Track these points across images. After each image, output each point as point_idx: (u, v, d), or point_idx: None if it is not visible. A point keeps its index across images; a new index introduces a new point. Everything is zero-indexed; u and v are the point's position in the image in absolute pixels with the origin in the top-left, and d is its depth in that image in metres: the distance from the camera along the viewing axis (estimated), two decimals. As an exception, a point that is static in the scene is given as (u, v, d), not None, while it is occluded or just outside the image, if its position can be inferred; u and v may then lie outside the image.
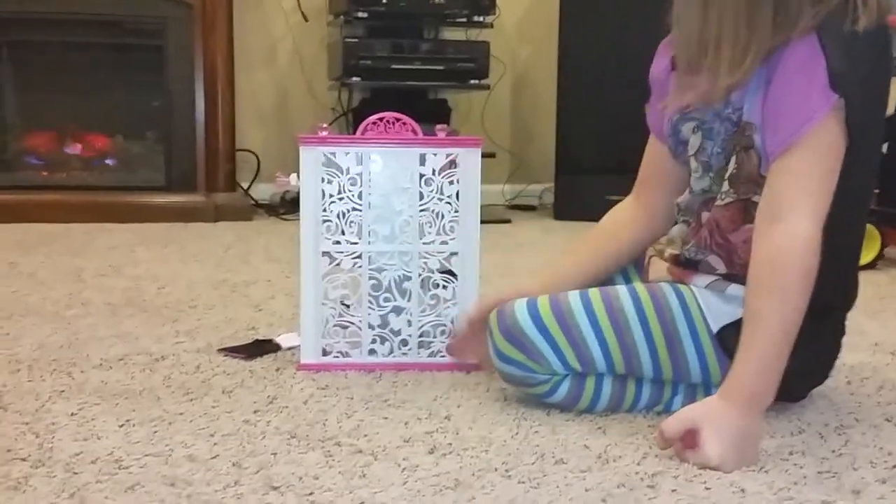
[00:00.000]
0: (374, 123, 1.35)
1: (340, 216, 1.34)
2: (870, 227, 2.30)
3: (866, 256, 2.30)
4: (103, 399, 1.19)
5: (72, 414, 1.13)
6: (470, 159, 1.35)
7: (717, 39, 1.08)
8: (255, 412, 1.15)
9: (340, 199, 1.33)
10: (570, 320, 1.13)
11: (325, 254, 1.34)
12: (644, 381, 1.18)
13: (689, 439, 1.00)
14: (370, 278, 1.35)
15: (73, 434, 1.06)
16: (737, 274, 1.12)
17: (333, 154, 1.33)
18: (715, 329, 1.13)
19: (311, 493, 0.91)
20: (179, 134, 3.15)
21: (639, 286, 1.18)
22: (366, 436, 1.07)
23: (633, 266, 1.32)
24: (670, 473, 0.98)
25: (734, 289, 1.12)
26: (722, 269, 1.14)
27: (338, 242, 1.34)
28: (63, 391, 1.22)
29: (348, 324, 1.36)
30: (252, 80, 3.49)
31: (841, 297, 1.17)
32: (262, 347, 1.44)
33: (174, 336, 1.53)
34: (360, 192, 1.33)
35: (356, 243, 1.34)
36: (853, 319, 1.69)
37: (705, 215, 1.18)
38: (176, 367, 1.34)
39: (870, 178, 1.19)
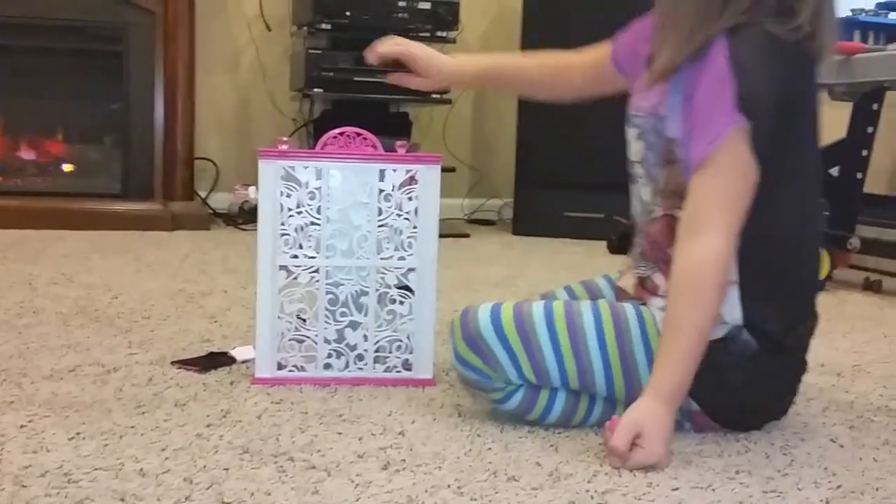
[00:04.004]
0: (334, 137, 1.35)
1: (298, 230, 1.34)
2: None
3: (816, 278, 2.35)
4: (53, 411, 1.17)
5: (21, 426, 1.11)
6: (429, 176, 1.35)
7: (670, 16, 1.13)
8: (207, 426, 1.14)
9: (299, 212, 1.33)
10: (531, 332, 1.15)
11: (282, 267, 1.34)
12: (597, 398, 1.19)
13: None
14: (327, 293, 1.35)
15: (23, 446, 1.05)
16: None
17: (293, 168, 1.33)
18: None
19: (262, 509, 0.91)
20: (137, 141, 3.13)
21: (603, 305, 1.19)
22: (319, 451, 1.07)
23: (609, 287, 1.34)
24: (620, 491, 0.99)
25: None
26: (665, 287, 1.17)
27: (295, 256, 1.34)
28: (12, 402, 1.20)
29: (304, 338, 1.36)
30: (213, 88, 3.47)
31: (786, 326, 1.17)
32: (216, 360, 1.43)
33: (127, 347, 1.51)
34: (319, 207, 1.34)
35: (314, 257, 1.34)
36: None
37: (648, 229, 1.22)
38: (128, 379, 1.33)
39: (810, 205, 1.21)
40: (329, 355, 1.36)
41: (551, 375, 1.16)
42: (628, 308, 1.18)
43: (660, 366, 1.09)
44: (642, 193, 1.22)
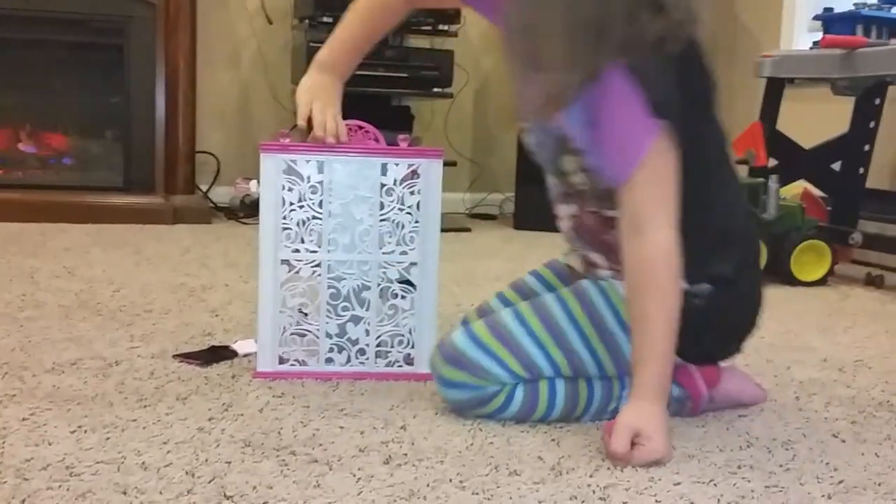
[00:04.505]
0: (336, 132, 1.35)
1: (300, 224, 1.34)
2: (820, 244, 2.35)
3: (817, 273, 2.35)
4: (55, 404, 1.18)
5: (23, 419, 1.12)
6: (431, 170, 1.35)
7: (540, 64, 1.12)
8: (209, 420, 1.14)
9: (301, 206, 1.33)
10: (507, 334, 1.18)
11: (284, 262, 1.34)
12: (593, 380, 1.22)
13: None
14: (329, 287, 1.35)
15: (25, 439, 1.05)
16: (619, 270, 1.18)
17: (294, 162, 1.33)
18: None
19: (264, 503, 0.91)
20: (139, 134, 3.12)
21: (564, 291, 1.24)
22: (321, 445, 1.07)
23: (554, 276, 1.39)
24: (622, 486, 1.00)
25: None
26: (604, 264, 1.24)
27: (297, 251, 1.34)
28: (14, 395, 1.20)
29: (306, 332, 1.36)
30: (214, 81, 3.46)
31: (736, 265, 1.21)
32: (218, 354, 1.43)
33: (129, 341, 1.51)
34: (321, 201, 1.33)
35: (315, 252, 1.34)
36: (802, 336, 1.73)
37: (562, 208, 1.29)
38: (130, 373, 1.33)
39: (714, 160, 1.23)
40: (331, 350, 1.36)
41: (541, 366, 1.18)
42: (587, 284, 1.23)
43: (639, 366, 1.12)
44: (548, 180, 1.29)
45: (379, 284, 1.36)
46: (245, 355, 1.44)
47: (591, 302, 1.20)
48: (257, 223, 1.35)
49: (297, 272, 1.35)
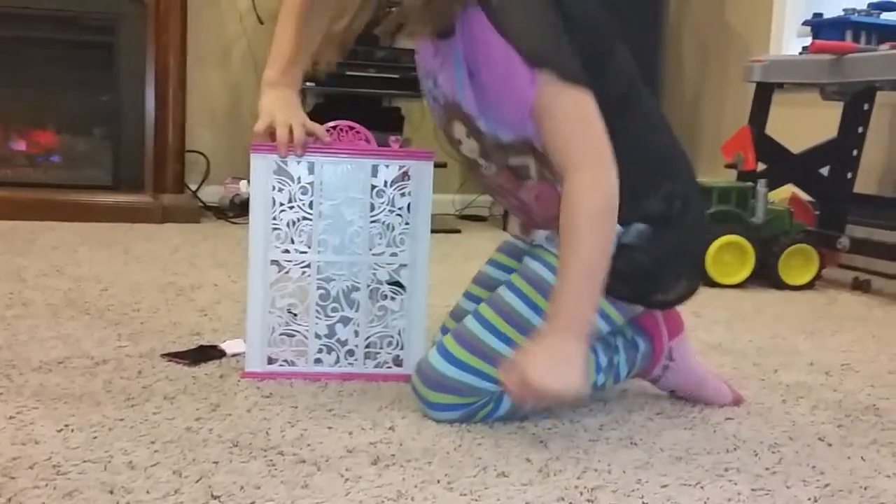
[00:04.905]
0: (327, 131, 1.35)
1: (290, 225, 1.33)
2: (808, 249, 2.36)
3: (804, 277, 2.37)
4: (42, 403, 1.17)
5: (10, 417, 1.11)
6: (422, 171, 1.35)
7: None
8: (197, 419, 1.14)
9: (291, 207, 1.33)
10: (479, 343, 1.17)
11: (273, 262, 1.34)
12: None
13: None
14: (318, 288, 1.35)
15: (11, 438, 1.04)
16: (550, 229, 1.19)
17: (285, 162, 1.33)
18: None
19: (252, 503, 0.91)
20: (128, 133, 3.11)
21: (513, 277, 1.22)
22: (309, 445, 1.07)
23: (508, 257, 1.37)
24: (609, 488, 1.00)
25: None
26: (532, 224, 1.24)
27: (287, 251, 1.34)
28: (1, 394, 1.20)
29: (295, 333, 1.35)
30: (204, 80, 3.46)
31: (667, 198, 1.19)
32: (206, 353, 1.43)
33: (116, 340, 1.51)
34: (311, 202, 1.33)
35: (305, 252, 1.34)
36: (789, 340, 1.74)
37: (482, 164, 1.24)
38: (117, 372, 1.33)
39: (620, 96, 1.19)
40: (320, 350, 1.36)
41: None
42: (535, 265, 1.20)
43: (550, 301, 1.10)
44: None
45: (368, 286, 1.36)
46: (233, 355, 1.43)
47: (544, 281, 1.17)
48: (247, 223, 1.35)
49: (287, 273, 1.34)
